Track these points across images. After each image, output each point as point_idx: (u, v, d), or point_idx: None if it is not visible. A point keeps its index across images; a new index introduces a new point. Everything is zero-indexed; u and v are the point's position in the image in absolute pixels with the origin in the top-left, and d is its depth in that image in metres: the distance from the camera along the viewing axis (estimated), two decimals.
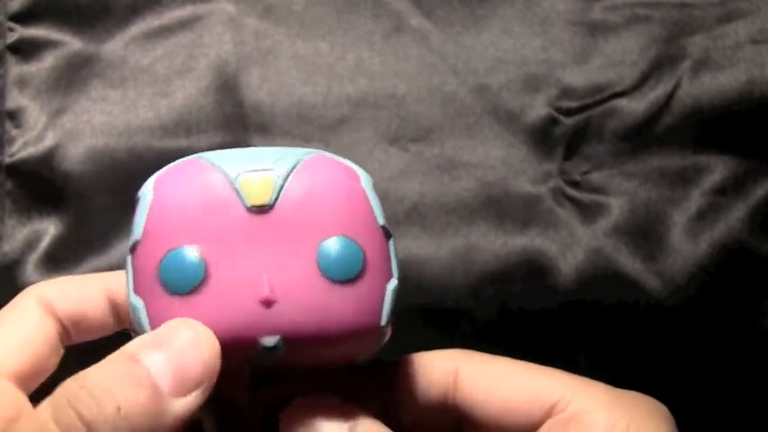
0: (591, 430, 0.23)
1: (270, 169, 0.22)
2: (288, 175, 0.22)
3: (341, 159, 0.24)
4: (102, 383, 0.19)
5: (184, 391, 0.20)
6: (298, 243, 0.22)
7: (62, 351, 0.25)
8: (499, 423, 0.25)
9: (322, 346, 0.22)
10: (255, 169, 0.22)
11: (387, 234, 0.23)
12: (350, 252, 0.22)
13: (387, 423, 0.23)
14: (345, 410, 0.22)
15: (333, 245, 0.22)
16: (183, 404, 0.20)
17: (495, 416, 0.25)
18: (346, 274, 0.22)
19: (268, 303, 0.21)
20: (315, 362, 0.23)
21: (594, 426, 0.23)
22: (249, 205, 0.22)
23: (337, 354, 0.23)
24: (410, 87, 0.37)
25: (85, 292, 0.25)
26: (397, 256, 0.23)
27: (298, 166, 0.22)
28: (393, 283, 0.23)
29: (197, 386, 0.20)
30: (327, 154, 0.24)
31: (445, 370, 0.25)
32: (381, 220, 0.23)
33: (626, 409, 0.23)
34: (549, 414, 0.24)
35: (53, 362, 0.25)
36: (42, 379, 0.24)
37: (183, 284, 0.21)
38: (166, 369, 0.20)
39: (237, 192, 0.22)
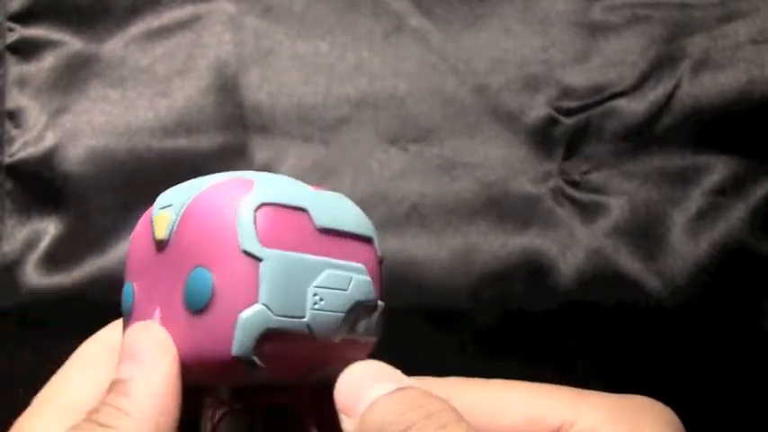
0: None
1: (170, 204, 0.23)
2: (180, 210, 0.23)
3: (246, 177, 0.24)
4: None
5: None
6: (179, 276, 0.22)
7: None
8: None
9: (198, 374, 0.22)
10: (165, 204, 0.23)
11: (255, 258, 0.22)
12: (200, 282, 0.22)
13: None
14: (394, 374, 0.23)
15: (192, 276, 0.22)
16: None
17: None
18: (197, 305, 0.22)
19: None
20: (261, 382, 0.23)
21: None
22: (156, 240, 0.23)
23: (222, 380, 0.23)
24: (410, 87, 0.37)
25: None
26: (273, 280, 0.22)
27: (192, 199, 0.23)
28: (253, 310, 0.22)
29: None
30: (236, 176, 0.24)
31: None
32: (248, 245, 0.22)
33: (630, 420, 0.23)
34: None
35: None
36: None
37: (125, 314, 0.24)
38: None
39: (152, 227, 0.23)
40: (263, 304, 0.22)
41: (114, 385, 0.22)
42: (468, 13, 0.38)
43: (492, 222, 0.36)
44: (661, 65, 0.36)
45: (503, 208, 0.36)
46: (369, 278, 0.24)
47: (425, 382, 0.25)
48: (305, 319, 0.22)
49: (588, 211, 0.36)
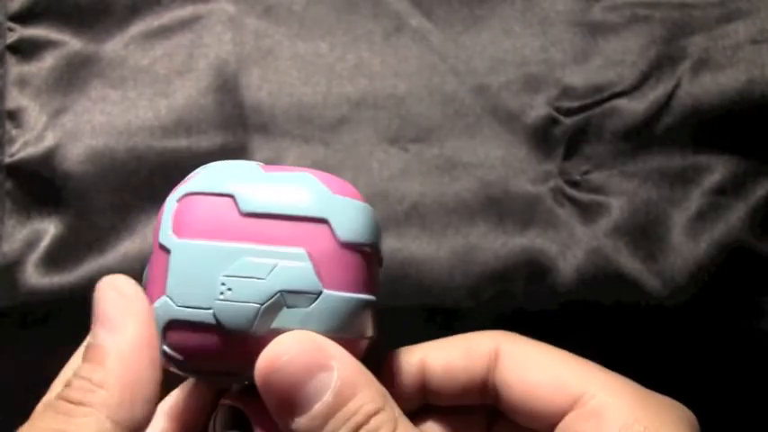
0: (607, 426, 0.23)
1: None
2: None
3: (203, 167, 0.24)
4: None
5: None
6: None
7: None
8: (526, 407, 0.25)
9: None
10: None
11: (166, 250, 0.22)
12: (144, 274, 0.23)
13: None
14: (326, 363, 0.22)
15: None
16: None
17: (522, 399, 0.25)
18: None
19: None
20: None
21: (612, 422, 0.23)
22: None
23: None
24: (410, 87, 0.37)
25: None
26: (178, 271, 0.22)
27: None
28: (159, 302, 0.22)
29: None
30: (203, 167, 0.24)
31: (488, 347, 0.26)
32: (162, 237, 0.22)
33: (649, 410, 0.23)
34: (572, 406, 0.24)
35: None
36: None
37: None
38: None
39: None
40: (167, 295, 0.22)
41: (86, 352, 0.22)
42: (468, 14, 0.38)
43: (492, 222, 0.36)
44: (661, 65, 0.36)
45: (503, 208, 0.36)
46: (307, 264, 0.22)
47: (476, 336, 0.27)
48: (210, 310, 0.21)
49: (588, 211, 0.36)
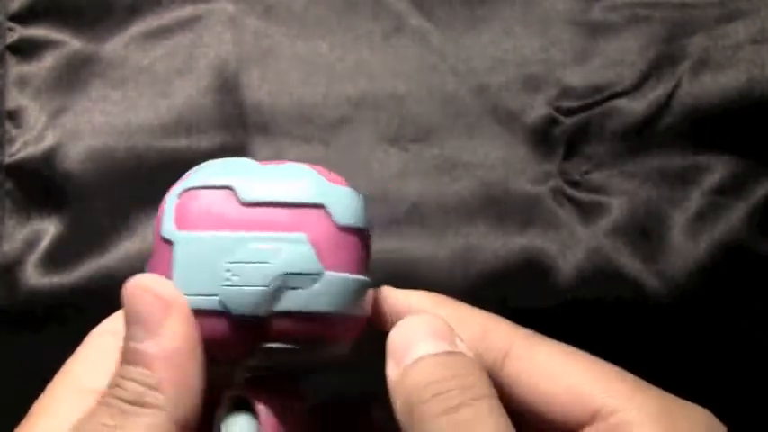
0: None
1: None
2: None
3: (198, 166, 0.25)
4: None
5: None
6: None
7: None
8: (537, 414, 0.24)
9: None
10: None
11: (169, 243, 0.23)
12: (146, 269, 0.24)
13: None
14: (449, 334, 0.23)
15: None
16: None
17: (533, 406, 0.24)
18: None
19: None
20: None
21: None
22: None
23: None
24: (410, 87, 0.37)
25: None
26: (183, 261, 0.23)
27: None
28: None
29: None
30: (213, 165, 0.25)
31: (503, 344, 0.25)
32: (165, 231, 0.23)
33: (674, 425, 0.22)
34: (592, 418, 0.23)
35: None
36: None
37: None
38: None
39: None
40: (176, 286, 0.23)
41: (129, 355, 0.22)
42: (468, 14, 0.38)
43: (492, 222, 0.36)
44: (661, 65, 0.36)
45: (503, 208, 0.36)
46: (308, 247, 0.23)
47: (488, 324, 0.26)
48: (217, 297, 0.22)
49: (588, 211, 0.36)
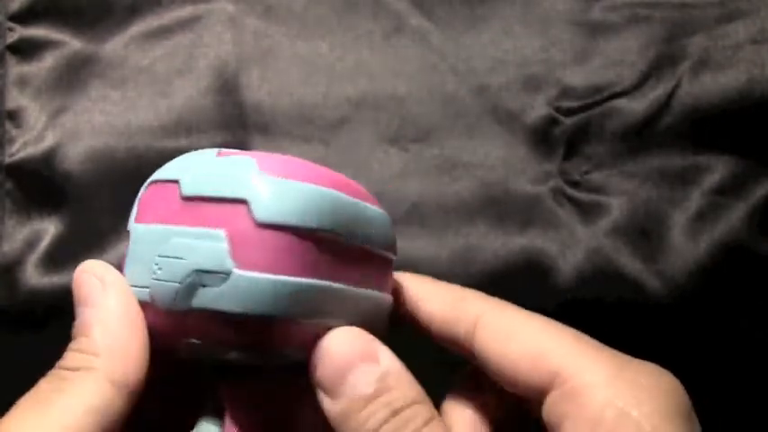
0: (586, 408, 0.22)
1: None
2: None
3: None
4: None
5: None
6: None
7: None
8: (507, 380, 0.24)
9: None
10: None
11: (128, 234, 0.24)
12: None
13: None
14: (369, 349, 0.23)
15: None
16: None
17: (502, 372, 0.24)
18: None
19: None
20: None
21: (591, 404, 0.22)
22: None
23: None
24: (410, 87, 0.37)
25: None
26: (129, 252, 0.24)
27: None
28: None
29: None
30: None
31: (474, 312, 0.26)
32: (129, 224, 0.25)
33: (628, 385, 0.22)
34: (551, 383, 0.23)
35: None
36: None
37: None
38: None
39: None
40: (124, 275, 0.24)
41: (73, 331, 0.23)
42: (469, 14, 0.38)
43: (492, 222, 0.36)
44: (661, 65, 0.36)
45: (503, 208, 0.36)
46: (223, 244, 0.22)
47: (467, 293, 0.26)
48: (147, 289, 0.23)
49: (588, 211, 0.36)
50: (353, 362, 0.23)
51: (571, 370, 0.23)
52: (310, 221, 0.22)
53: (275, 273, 0.22)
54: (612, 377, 0.23)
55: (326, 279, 0.23)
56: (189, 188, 0.23)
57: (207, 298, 0.22)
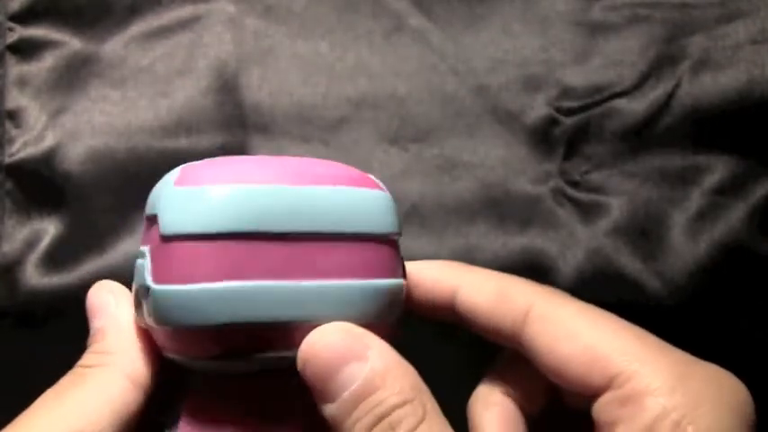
0: (641, 416, 0.22)
1: None
2: None
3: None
4: None
5: None
6: None
7: None
8: (559, 376, 0.24)
9: None
10: None
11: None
12: None
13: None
14: (357, 347, 0.22)
15: None
16: None
17: (554, 368, 0.24)
18: None
19: None
20: None
21: (646, 412, 0.22)
22: None
23: None
24: (410, 87, 0.37)
25: None
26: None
27: None
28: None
29: None
30: None
31: (523, 303, 0.25)
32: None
33: (691, 393, 0.22)
34: (609, 384, 0.23)
35: None
36: None
37: None
38: None
39: None
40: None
41: (89, 340, 0.25)
42: (468, 13, 0.38)
43: (492, 222, 0.36)
44: (661, 65, 0.36)
45: (503, 208, 0.36)
46: (146, 260, 0.23)
47: (508, 285, 0.26)
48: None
49: (588, 211, 0.36)
50: (338, 362, 0.22)
51: (629, 373, 0.22)
52: (217, 226, 0.22)
53: (186, 282, 0.22)
54: (673, 384, 0.22)
55: (260, 279, 0.22)
56: (147, 208, 0.24)
57: (144, 313, 0.23)
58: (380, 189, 0.25)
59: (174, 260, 0.22)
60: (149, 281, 0.22)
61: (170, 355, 0.23)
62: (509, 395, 0.27)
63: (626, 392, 0.22)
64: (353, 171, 0.25)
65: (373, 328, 0.23)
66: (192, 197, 0.22)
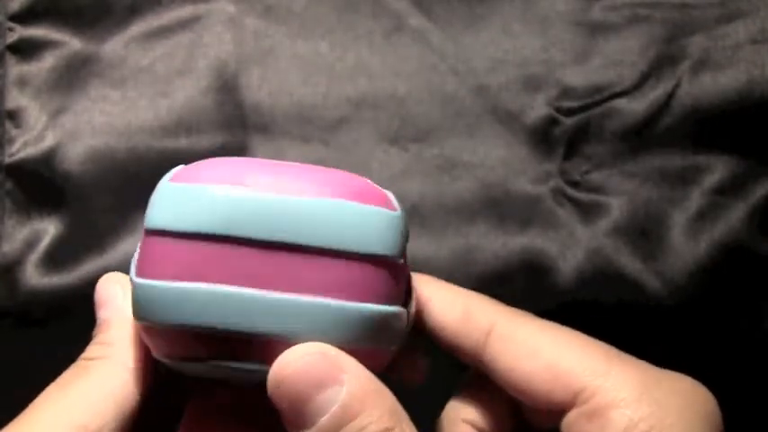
0: (611, 430, 0.21)
1: None
2: None
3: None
4: None
5: None
6: None
7: None
8: (523, 394, 0.24)
9: None
10: None
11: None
12: None
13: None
14: (331, 372, 0.21)
15: None
16: None
17: (518, 386, 0.24)
18: None
19: None
20: None
21: (615, 424, 0.21)
22: None
23: None
24: (410, 87, 0.37)
25: None
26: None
27: None
28: None
29: None
30: None
31: (486, 322, 0.25)
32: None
33: (657, 404, 0.22)
34: (573, 400, 0.22)
35: None
36: None
37: None
38: None
39: None
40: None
41: (95, 331, 0.25)
42: (468, 13, 0.38)
43: (492, 222, 0.36)
44: (661, 65, 0.36)
45: (503, 208, 0.36)
46: (136, 254, 0.23)
47: (471, 304, 0.25)
48: None
49: (588, 211, 0.36)
50: (314, 385, 0.21)
51: (594, 387, 0.22)
52: (191, 225, 0.21)
53: (161, 279, 0.21)
54: (639, 396, 0.22)
55: (230, 284, 0.21)
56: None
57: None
58: (387, 207, 0.23)
59: (148, 255, 0.22)
60: (132, 273, 0.23)
61: (153, 352, 0.23)
62: (475, 417, 0.26)
63: (591, 407, 0.22)
64: (360, 185, 0.23)
65: (358, 354, 0.22)
66: (176, 194, 0.22)
